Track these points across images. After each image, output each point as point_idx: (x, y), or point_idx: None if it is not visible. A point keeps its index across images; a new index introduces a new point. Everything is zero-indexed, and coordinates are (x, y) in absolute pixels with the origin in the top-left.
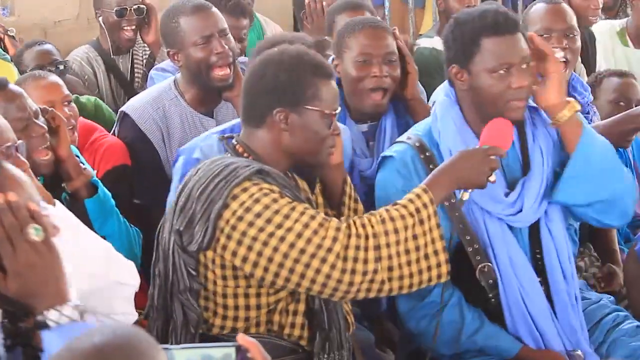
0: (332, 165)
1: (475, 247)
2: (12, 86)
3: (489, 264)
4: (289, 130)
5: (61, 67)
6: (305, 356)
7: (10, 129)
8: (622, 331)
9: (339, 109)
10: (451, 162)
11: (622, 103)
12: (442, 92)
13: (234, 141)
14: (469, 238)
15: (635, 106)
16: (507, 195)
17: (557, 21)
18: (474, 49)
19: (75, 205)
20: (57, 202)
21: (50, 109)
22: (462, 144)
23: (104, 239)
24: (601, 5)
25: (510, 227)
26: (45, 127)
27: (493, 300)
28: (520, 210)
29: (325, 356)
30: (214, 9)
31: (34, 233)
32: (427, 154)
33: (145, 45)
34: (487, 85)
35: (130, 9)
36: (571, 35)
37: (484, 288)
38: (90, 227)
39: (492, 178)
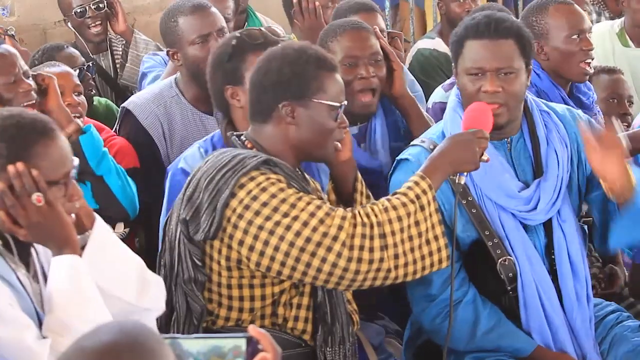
0: (341, 161)
1: (495, 241)
2: (6, 46)
3: (510, 257)
4: (295, 123)
5: (91, 68)
6: (309, 351)
7: (71, 155)
8: (625, 327)
9: (345, 101)
10: (443, 147)
11: (614, 100)
12: (453, 92)
13: (243, 137)
14: (487, 233)
15: (627, 102)
16: (520, 192)
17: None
18: (459, 50)
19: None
20: (97, 219)
21: (39, 72)
22: None
23: (102, 177)
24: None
25: (524, 226)
26: (32, 85)
27: (511, 293)
28: (535, 208)
29: (328, 349)
30: (213, 9)
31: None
32: None
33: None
34: (463, 85)
35: (89, 7)
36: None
37: (502, 281)
38: (88, 167)
39: (484, 157)
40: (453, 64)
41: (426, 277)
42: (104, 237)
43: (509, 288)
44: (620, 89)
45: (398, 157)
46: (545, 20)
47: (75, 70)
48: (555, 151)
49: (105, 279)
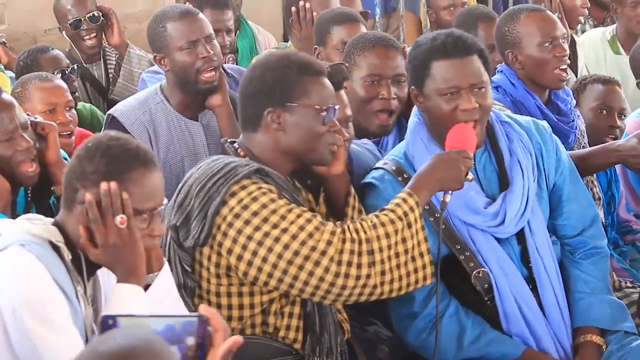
0: (333, 174)
1: (467, 255)
2: (4, 95)
3: (483, 269)
4: (282, 129)
5: (75, 71)
6: (299, 359)
7: (163, 192)
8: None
9: (336, 105)
10: (430, 165)
11: (604, 111)
12: (412, 114)
13: (236, 145)
14: (459, 247)
15: (618, 114)
16: (486, 207)
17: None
18: (425, 72)
19: None
20: (166, 265)
21: (39, 120)
22: None
23: None
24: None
25: (497, 238)
26: (31, 141)
27: (489, 303)
28: (503, 222)
29: (316, 359)
30: (201, 15)
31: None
32: (404, 175)
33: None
34: (437, 106)
35: (85, 19)
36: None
37: (479, 293)
38: None
39: (469, 176)
40: (412, 87)
41: (408, 295)
42: (168, 284)
43: (486, 298)
44: (612, 100)
45: (362, 181)
46: (518, 29)
47: (57, 74)
48: (519, 161)
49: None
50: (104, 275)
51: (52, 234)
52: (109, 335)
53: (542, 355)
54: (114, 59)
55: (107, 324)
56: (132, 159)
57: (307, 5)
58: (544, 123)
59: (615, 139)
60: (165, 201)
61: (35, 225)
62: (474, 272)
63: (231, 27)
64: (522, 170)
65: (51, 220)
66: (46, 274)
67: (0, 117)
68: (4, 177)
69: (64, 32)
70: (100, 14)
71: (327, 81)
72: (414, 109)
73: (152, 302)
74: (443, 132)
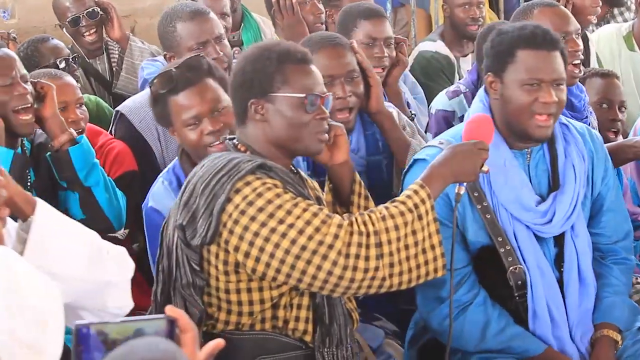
0: (336, 163)
1: (507, 249)
2: (4, 49)
3: (520, 265)
4: (266, 120)
5: (77, 60)
6: (310, 352)
7: None
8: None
9: (325, 93)
10: (444, 156)
11: (604, 105)
12: (477, 98)
13: (235, 141)
14: (500, 240)
15: (618, 107)
16: (537, 205)
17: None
18: (509, 59)
19: (60, 160)
20: (39, 203)
21: (39, 81)
22: (492, 148)
23: (90, 189)
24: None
25: (536, 237)
26: (28, 90)
27: (518, 299)
28: (550, 221)
29: (326, 350)
30: (211, 15)
31: None
32: None
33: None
34: (516, 96)
35: (83, 15)
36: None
37: (510, 287)
38: (77, 178)
39: (484, 168)
40: (489, 72)
41: (438, 279)
42: (49, 220)
43: (517, 295)
44: (612, 94)
45: (415, 156)
46: None
47: (61, 62)
48: (573, 165)
49: (52, 263)
50: None
51: None
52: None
53: (563, 356)
54: (116, 52)
55: (82, 332)
56: None
57: None
58: (597, 132)
59: (616, 132)
60: None
61: None
62: (511, 267)
63: (227, 12)
64: (575, 174)
65: None
66: None
67: (1, 65)
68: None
69: (64, 30)
70: (99, 9)
71: (313, 68)
72: (480, 94)
73: (36, 251)
74: (517, 123)
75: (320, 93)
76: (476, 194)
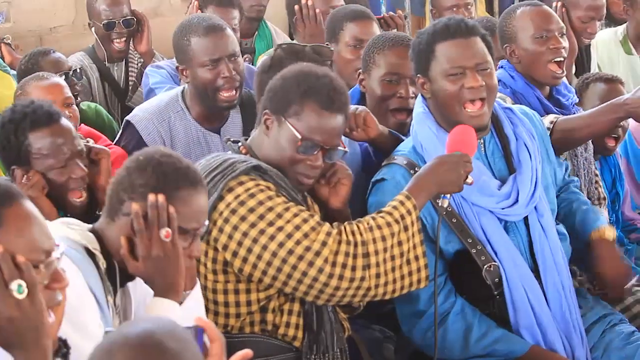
0: (332, 208)
1: (478, 249)
2: (63, 121)
3: (494, 262)
4: (267, 134)
5: (77, 73)
6: (298, 356)
7: (206, 214)
8: (618, 332)
9: (331, 144)
10: (429, 167)
11: None
12: (417, 104)
13: (239, 144)
14: (470, 241)
15: None
16: (499, 189)
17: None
18: (430, 55)
19: None
20: (197, 284)
21: (93, 145)
22: (444, 149)
23: None
24: (598, 31)
25: (504, 226)
26: (85, 169)
27: (499, 297)
28: (516, 201)
29: (313, 357)
30: (227, 31)
31: (16, 290)
32: (416, 169)
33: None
34: (443, 88)
35: (119, 22)
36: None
37: (488, 287)
38: None
39: (469, 180)
40: (418, 74)
41: (412, 294)
42: (199, 302)
43: (496, 293)
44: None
45: (373, 179)
46: (513, 24)
47: (61, 76)
48: (525, 145)
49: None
50: (134, 288)
51: (89, 240)
52: (132, 322)
53: (549, 352)
54: (136, 64)
55: None
56: (182, 178)
57: (310, 2)
58: (534, 112)
59: (618, 137)
60: (206, 222)
61: (73, 230)
62: (485, 267)
63: (236, 27)
64: (529, 153)
65: (89, 226)
66: (82, 280)
67: (57, 143)
68: (52, 204)
69: (93, 29)
70: (135, 19)
71: (334, 118)
72: (418, 101)
73: (184, 318)
74: (450, 116)
75: (323, 143)
76: (444, 212)
